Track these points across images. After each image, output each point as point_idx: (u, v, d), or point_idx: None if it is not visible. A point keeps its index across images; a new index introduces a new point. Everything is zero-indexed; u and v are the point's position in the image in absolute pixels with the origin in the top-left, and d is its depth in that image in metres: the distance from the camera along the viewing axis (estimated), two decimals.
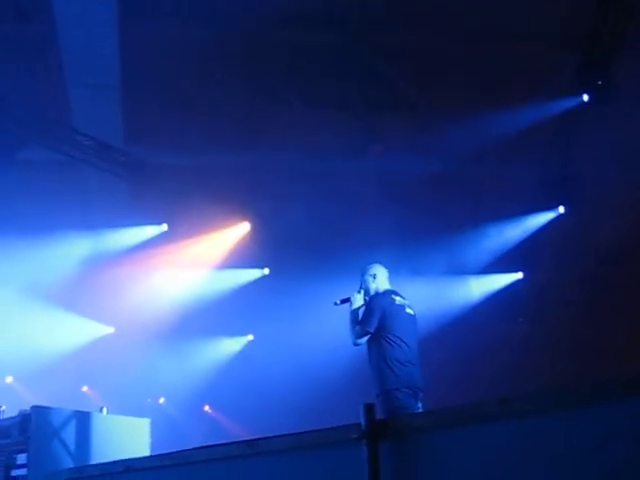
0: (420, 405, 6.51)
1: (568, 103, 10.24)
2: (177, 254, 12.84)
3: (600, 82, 9.64)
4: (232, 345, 14.18)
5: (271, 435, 3.22)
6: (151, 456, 3.71)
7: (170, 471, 3.54)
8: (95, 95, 10.45)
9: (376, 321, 6.59)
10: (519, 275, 12.91)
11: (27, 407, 7.45)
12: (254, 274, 13.45)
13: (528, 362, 14.11)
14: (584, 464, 2.52)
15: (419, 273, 11.72)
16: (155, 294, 12.48)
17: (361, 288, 6.97)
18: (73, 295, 13.48)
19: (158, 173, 11.23)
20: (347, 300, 6.88)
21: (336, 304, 6.97)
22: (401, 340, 6.60)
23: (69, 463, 6.89)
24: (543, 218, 11.86)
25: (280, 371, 12.05)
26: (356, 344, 6.72)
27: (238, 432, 14.35)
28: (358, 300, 6.85)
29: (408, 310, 6.85)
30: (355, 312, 6.79)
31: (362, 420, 2.94)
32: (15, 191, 11.18)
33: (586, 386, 2.59)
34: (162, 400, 15.60)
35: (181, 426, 14.75)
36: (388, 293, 6.85)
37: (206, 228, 12.60)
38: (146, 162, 11.15)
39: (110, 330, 14.72)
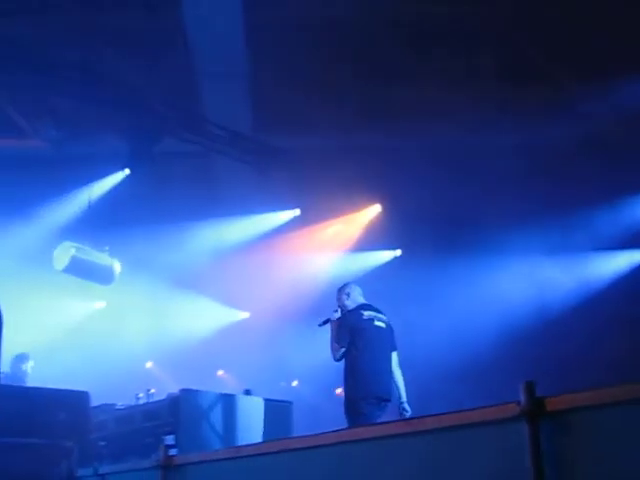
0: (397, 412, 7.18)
1: None
2: (310, 238, 12.99)
3: None
4: None
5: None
6: (304, 436, 3.71)
7: (323, 451, 3.52)
8: (223, 84, 10.60)
9: (346, 337, 7.17)
10: None
11: (166, 391, 7.72)
12: (386, 256, 13.44)
13: None
14: None
15: (556, 249, 11.41)
16: (289, 279, 12.63)
17: (338, 307, 7.50)
18: (209, 282, 13.82)
19: (288, 159, 11.33)
20: (327, 321, 7.40)
21: (320, 325, 7.50)
22: (368, 353, 7.15)
23: (216, 444, 7.07)
24: None
25: (413, 353, 11.95)
26: (336, 360, 7.28)
27: None
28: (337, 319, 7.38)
29: (377, 323, 7.40)
30: (333, 331, 7.30)
31: (522, 397, 2.86)
32: (152, 183, 11.55)
33: None
34: (295, 383, 15.78)
35: (315, 409, 14.89)
36: (357, 308, 7.42)
37: (338, 211, 12.69)
38: (276, 148, 11.26)
39: (245, 315, 15.04)
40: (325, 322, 7.42)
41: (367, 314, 7.41)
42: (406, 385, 11.54)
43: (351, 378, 7.17)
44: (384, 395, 7.20)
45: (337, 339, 7.23)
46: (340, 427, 3.75)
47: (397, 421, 3.19)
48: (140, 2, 9.85)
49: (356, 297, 7.61)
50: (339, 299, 7.60)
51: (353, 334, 7.21)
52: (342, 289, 7.68)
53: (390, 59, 10.66)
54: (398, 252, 13.34)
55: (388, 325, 7.56)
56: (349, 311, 7.44)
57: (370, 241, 12.90)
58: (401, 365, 7.54)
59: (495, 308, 11.32)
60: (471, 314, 11.33)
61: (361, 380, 7.10)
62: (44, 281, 12.12)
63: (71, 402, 7.24)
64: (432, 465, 3.06)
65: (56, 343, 12.62)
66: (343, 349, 7.17)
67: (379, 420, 6.81)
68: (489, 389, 9.17)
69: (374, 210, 12.68)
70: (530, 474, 2.63)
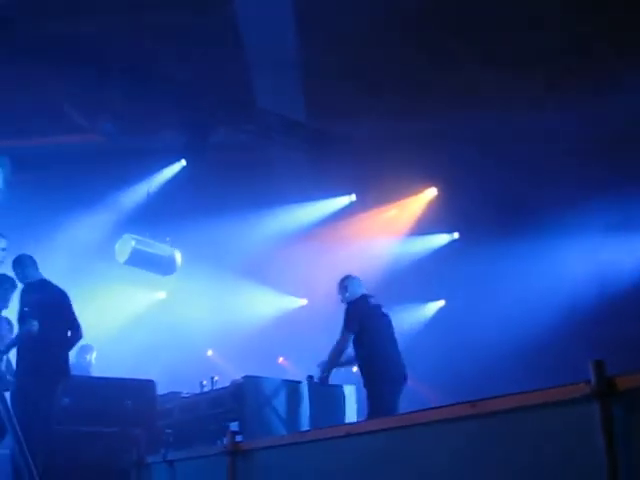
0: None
1: None
2: (366, 223, 13.00)
3: None
4: (424, 311, 14.13)
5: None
6: (370, 420, 3.73)
7: (389, 434, 3.54)
8: (275, 73, 10.63)
9: (356, 324, 7.45)
10: None
11: (228, 379, 7.83)
12: (443, 239, 13.41)
13: None
14: None
15: (617, 228, 11.21)
16: (346, 264, 12.65)
17: (340, 300, 7.86)
18: (267, 270, 13.94)
19: (342, 145, 11.33)
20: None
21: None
22: (381, 338, 7.46)
23: (280, 429, 7.16)
24: None
25: (475, 335, 11.89)
26: (345, 348, 7.63)
27: (432, 398, 14.31)
28: None
29: (383, 310, 7.78)
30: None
31: (591, 377, 2.84)
32: (209, 173, 11.67)
33: None
34: (356, 369, 15.79)
35: None
36: (363, 297, 7.74)
37: (394, 195, 12.67)
38: (330, 135, 11.26)
39: (303, 302, 15.13)
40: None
41: (373, 301, 7.77)
42: (467, 366, 11.62)
43: (370, 364, 7.43)
44: (403, 376, 7.45)
45: (346, 327, 7.49)
46: (402, 410, 3.76)
47: (461, 403, 3.18)
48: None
49: (355, 289, 7.85)
50: (339, 292, 7.94)
51: (363, 322, 7.49)
52: (340, 282, 7.97)
53: (437, 43, 10.53)
54: (456, 235, 13.30)
55: (388, 312, 7.92)
56: (358, 299, 7.72)
57: (427, 224, 12.87)
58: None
59: (556, 288, 11.18)
60: (532, 295, 11.22)
61: (381, 365, 7.36)
62: (107, 273, 12.39)
63: (138, 391, 7.43)
64: (497, 448, 3.04)
65: (120, 333, 12.87)
66: (352, 336, 7.49)
67: (399, 401, 7.13)
68: (552, 370, 9.10)
69: (430, 193, 12.65)
70: (602, 455, 2.61)
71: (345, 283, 7.92)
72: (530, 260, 11.39)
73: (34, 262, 7.42)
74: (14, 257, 7.43)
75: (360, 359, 7.60)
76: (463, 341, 11.90)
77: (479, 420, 3.13)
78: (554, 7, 10.07)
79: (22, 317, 7.04)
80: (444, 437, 3.28)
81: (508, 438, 3.02)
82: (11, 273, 7.38)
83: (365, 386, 7.42)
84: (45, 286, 7.28)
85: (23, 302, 7.13)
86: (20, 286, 7.35)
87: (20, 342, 6.93)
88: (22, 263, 7.36)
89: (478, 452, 3.09)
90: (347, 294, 7.80)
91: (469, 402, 3.18)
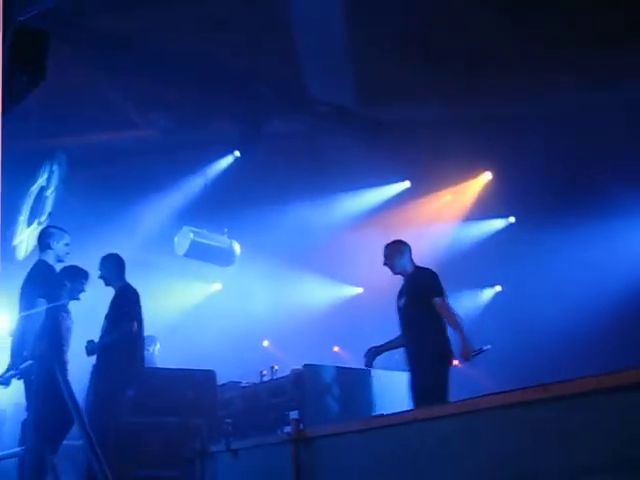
0: None
1: None
2: (421, 210, 12.95)
3: None
4: (480, 297, 14.02)
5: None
6: (438, 406, 3.70)
7: (459, 419, 3.50)
8: (326, 61, 10.61)
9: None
10: None
11: (284, 369, 7.86)
12: (499, 224, 13.29)
13: None
14: None
15: None
16: None
17: (385, 264, 7.20)
18: (323, 259, 13.95)
19: (395, 131, 11.28)
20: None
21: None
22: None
23: (340, 417, 7.15)
24: None
25: (532, 321, 11.76)
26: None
27: (489, 384, 14.18)
28: None
29: None
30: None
31: None
32: (263, 164, 11.73)
33: None
34: None
35: None
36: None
37: (448, 181, 12.60)
38: (382, 121, 11.21)
39: (359, 290, 15.11)
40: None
41: None
42: (525, 352, 11.49)
43: (438, 333, 6.91)
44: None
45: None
46: (462, 397, 3.72)
47: (534, 387, 3.13)
48: None
49: (410, 259, 7.12)
50: (390, 255, 7.11)
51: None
52: (395, 244, 7.13)
53: (489, 26, 10.36)
54: (512, 219, 13.17)
55: None
56: (427, 269, 7.11)
57: (482, 210, 12.77)
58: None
59: (617, 272, 10.98)
60: (591, 279, 11.04)
61: (447, 338, 6.94)
62: (164, 265, 12.55)
63: (199, 381, 7.49)
64: (569, 431, 2.99)
65: (179, 325, 13.02)
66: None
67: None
68: (611, 355, 8.95)
69: (485, 178, 12.56)
70: None
71: (402, 248, 7.09)
72: (589, 243, 11.20)
73: (125, 266, 7.56)
74: (108, 254, 7.57)
75: (424, 332, 6.99)
76: (520, 327, 11.76)
77: (551, 404, 3.09)
78: None
79: (126, 316, 7.20)
80: (515, 421, 3.24)
81: (580, 422, 2.97)
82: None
83: (432, 361, 6.80)
84: (133, 289, 7.42)
85: (124, 302, 7.31)
86: (107, 286, 7.51)
87: (122, 339, 7.06)
88: (118, 263, 7.52)
89: (551, 436, 3.06)
90: (402, 261, 7.04)
91: (541, 385, 3.14)
